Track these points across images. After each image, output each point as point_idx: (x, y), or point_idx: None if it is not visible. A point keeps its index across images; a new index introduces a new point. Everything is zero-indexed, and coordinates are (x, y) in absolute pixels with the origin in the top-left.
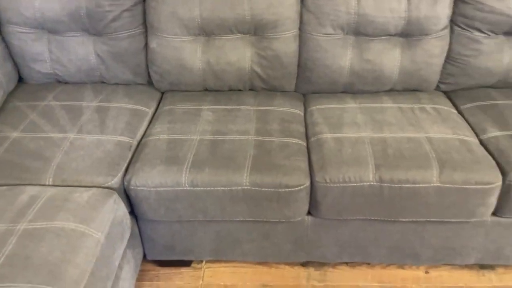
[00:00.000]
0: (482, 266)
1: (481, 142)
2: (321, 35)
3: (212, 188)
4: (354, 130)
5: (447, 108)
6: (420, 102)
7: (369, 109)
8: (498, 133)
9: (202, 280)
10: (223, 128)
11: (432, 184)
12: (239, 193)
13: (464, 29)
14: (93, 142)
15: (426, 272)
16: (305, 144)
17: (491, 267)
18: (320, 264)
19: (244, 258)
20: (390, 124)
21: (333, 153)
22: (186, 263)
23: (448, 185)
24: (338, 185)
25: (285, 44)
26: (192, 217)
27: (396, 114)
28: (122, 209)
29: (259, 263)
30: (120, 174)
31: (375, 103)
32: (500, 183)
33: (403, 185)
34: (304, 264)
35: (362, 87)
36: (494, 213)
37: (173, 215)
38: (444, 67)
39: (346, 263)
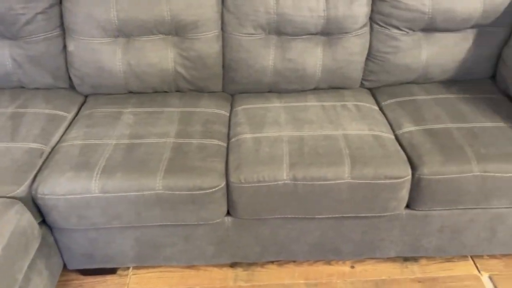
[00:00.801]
0: (406, 259)
1: (396, 137)
2: (243, 35)
3: (124, 194)
4: (275, 129)
5: (369, 105)
6: (344, 100)
7: (293, 108)
8: (412, 128)
9: (128, 287)
10: (142, 131)
11: (343, 180)
12: (152, 198)
13: (382, 26)
14: (0, 151)
15: (352, 267)
16: (225, 145)
17: (414, 259)
18: (248, 264)
19: (168, 263)
20: (311, 122)
21: (250, 153)
22: (111, 271)
23: (359, 181)
24: (252, 185)
25: (208, 45)
26: (107, 224)
27: (318, 112)
28: (26, 219)
29: (188, 267)
30: (27, 183)
31: (300, 102)
32: (409, 177)
33: (316, 182)
34: (233, 265)
35: (287, 86)
36: (408, 206)
37: (86, 223)
38: (366, 64)
39: (273, 262)
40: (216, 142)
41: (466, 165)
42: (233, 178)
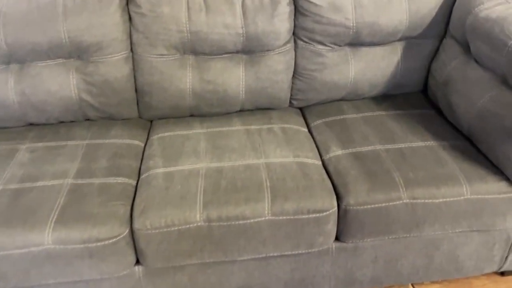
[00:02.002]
0: None
1: (323, 163)
2: (154, 56)
3: (5, 253)
4: (191, 160)
5: (297, 127)
6: (270, 122)
7: (215, 134)
8: (340, 152)
9: None
10: (36, 172)
11: (263, 218)
12: (41, 254)
13: (306, 42)
14: None
15: None
16: (134, 183)
17: None
18: None
19: None
20: (233, 150)
21: (159, 192)
22: None
23: (280, 217)
24: (160, 230)
25: (115, 68)
26: None
27: (241, 138)
28: None
29: None
30: None
31: (223, 127)
32: (335, 209)
33: (233, 223)
34: None
35: (209, 109)
36: (337, 239)
37: None
38: (293, 82)
39: None
40: (122, 180)
41: (393, 192)
42: (137, 224)
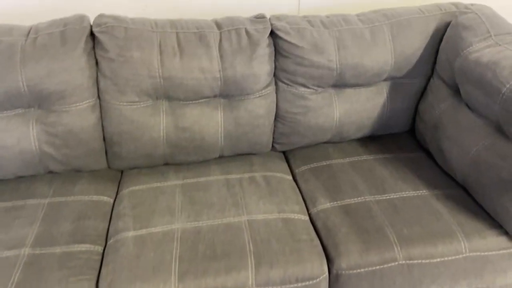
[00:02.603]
0: None
1: (311, 218)
2: (124, 103)
3: None
4: (166, 220)
5: (280, 174)
6: (252, 170)
7: (192, 186)
8: (328, 205)
9: None
10: None
11: None
12: None
13: (288, 85)
14: None
15: None
16: (101, 249)
17: None
18: None
19: None
20: (211, 205)
21: (129, 263)
22: None
23: None
24: None
25: (80, 117)
26: None
27: (220, 190)
28: None
29: None
30: None
31: (201, 177)
32: (326, 274)
33: None
34: None
35: (186, 158)
36: None
37: None
38: (275, 126)
39: None
40: (87, 247)
41: (388, 253)
42: None
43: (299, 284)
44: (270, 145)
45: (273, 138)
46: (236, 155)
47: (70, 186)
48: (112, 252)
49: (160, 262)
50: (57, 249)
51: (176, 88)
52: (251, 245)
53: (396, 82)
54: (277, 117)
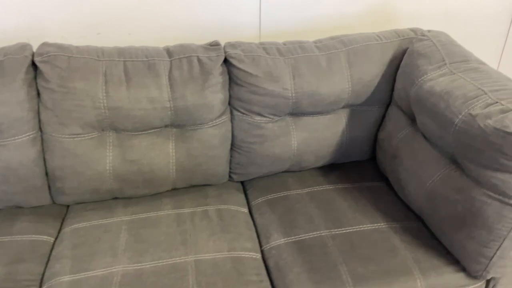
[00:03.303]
0: None
1: (263, 255)
2: (67, 136)
3: None
4: (106, 262)
5: (235, 208)
6: (206, 203)
7: (140, 222)
8: (282, 241)
9: None
10: None
11: None
12: None
13: (244, 114)
14: None
15: None
16: None
17: None
18: None
19: None
20: (158, 244)
21: None
22: None
23: None
24: None
25: (19, 152)
26: None
27: (170, 227)
28: None
29: None
30: None
31: (151, 212)
32: None
33: None
34: None
35: (135, 192)
36: None
37: None
38: (232, 156)
39: None
40: None
41: None
42: None
43: None
44: (227, 176)
45: (230, 168)
46: (191, 186)
47: (8, 224)
48: None
49: None
50: None
51: (123, 119)
52: (192, 286)
53: (355, 110)
54: (233, 146)
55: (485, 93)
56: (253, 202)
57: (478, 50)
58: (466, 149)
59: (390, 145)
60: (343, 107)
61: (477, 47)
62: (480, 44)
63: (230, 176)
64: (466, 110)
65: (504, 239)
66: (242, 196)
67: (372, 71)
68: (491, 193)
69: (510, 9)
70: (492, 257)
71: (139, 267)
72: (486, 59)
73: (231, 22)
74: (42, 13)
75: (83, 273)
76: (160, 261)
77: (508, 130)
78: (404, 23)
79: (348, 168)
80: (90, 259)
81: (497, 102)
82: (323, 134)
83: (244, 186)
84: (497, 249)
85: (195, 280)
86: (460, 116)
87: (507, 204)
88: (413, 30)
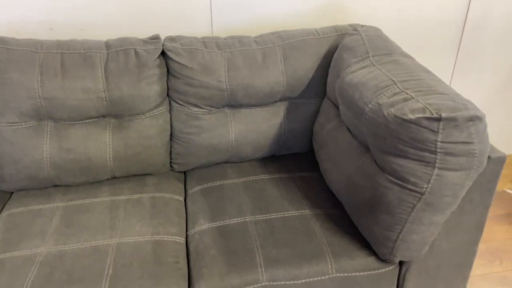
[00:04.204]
0: None
1: (187, 240)
2: (4, 124)
3: None
4: (34, 244)
5: (170, 196)
6: (143, 191)
7: (74, 208)
8: (206, 226)
9: None
10: None
11: None
12: None
13: (181, 105)
14: None
15: None
16: None
17: None
18: None
19: None
20: (86, 229)
21: None
22: None
23: None
24: None
25: None
26: None
27: (102, 213)
28: None
29: None
30: None
31: (87, 198)
32: None
33: None
34: None
35: (74, 179)
36: None
37: None
38: (172, 146)
39: None
40: None
41: (252, 275)
42: None
43: None
44: (168, 165)
45: (171, 158)
46: (131, 175)
47: None
48: None
49: (10, 287)
50: None
51: (58, 109)
52: (110, 269)
53: (292, 103)
54: (172, 137)
55: (395, 83)
56: (189, 191)
57: (434, 45)
58: (373, 137)
59: (321, 136)
60: (281, 100)
61: (433, 42)
62: (436, 39)
63: (171, 166)
64: (375, 100)
65: (405, 223)
66: (181, 185)
67: (306, 65)
68: (392, 178)
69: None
70: (396, 240)
71: (62, 249)
72: (443, 48)
73: (183, 18)
74: None
75: (9, 253)
76: (84, 243)
77: (405, 117)
78: (358, 20)
79: (287, 159)
80: (19, 241)
81: (403, 91)
82: (260, 126)
83: (185, 175)
84: (399, 233)
85: (112, 261)
86: (369, 106)
87: (406, 188)
88: (352, 26)
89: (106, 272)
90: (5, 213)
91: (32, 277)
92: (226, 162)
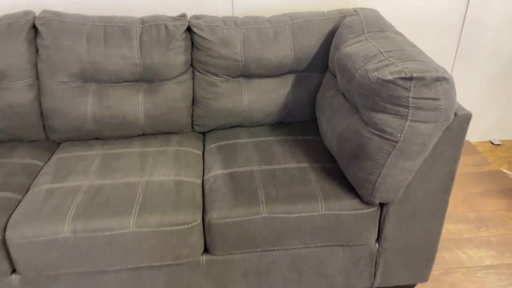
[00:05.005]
0: None
1: (203, 182)
2: (55, 83)
3: None
4: (79, 178)
5: (191, 149)
6: (168, 145)
7: (110, 156)
8: (219, 172)
9: None
10: None
11: (128, 230)
12: None
13: (202, 73)
14: None
15: None
16: (20, 197)
17: None
18: None
19: None
20: (121, 169)
21: (35, 207)
22: None
23: (144, 229)
24: (28, 240)
25: (19, 94)
26: None
27: (133, 160)
28: None
29: None
30: None
31: (121, 149)
32: (198, 222)
33: (98, 234)
34: None
35: (111, 133)
36: (208, 252)
37: None
38: (193, 110)
39: None
40: (8, 195)
41: (254, 208)
42: (9, 234)
43: (174, 228)
44: (190, 127)
45: (192, 120)
46: (158, 133)
47: (9, 151)
48: (26, 199)
49: (60, 207)
50: None
51: (100, 72)
52: (140, 198)
53: (298, 75)
54: (194, 102)
55: (381, 53)
56: (207, 147)
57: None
58: (360, 97)
59: (321, 103)
60: (288, 72)
61: (435, 30)
62: (438, 27)
63: (193, 127)
64: (364, 66)
65: (382, 167)
66: (200, 143)
67: (312, 42)
68: (373, 130)
69: None
70: (375, 183)
71: (101, 183)
72: (446, 36)
73: (208, 1)
74: None
75: (58, 184)
76: (119, 180)
77: (384, 78)
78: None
79: (293, 125)
80: (67, 176)
81: (387, 59)
82: (270, 95)
83: (204, 136)
84: (378, 176)
85: (142, 193)
86: (359, 71)
87: (383, 138)
88: (355, 9)
89: (136, 200)
90: (55, 157)
91: (78, 201)
92: (239, 126)
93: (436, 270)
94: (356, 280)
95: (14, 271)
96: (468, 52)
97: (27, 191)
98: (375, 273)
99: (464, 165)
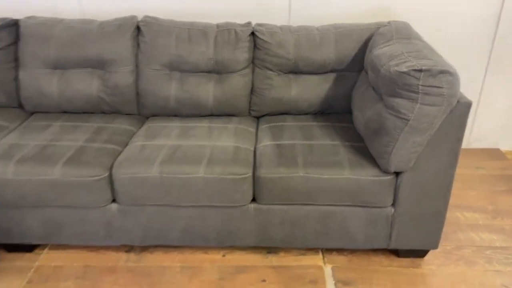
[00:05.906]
0: (269, 251)
1: (254, 150)
2: (151, 70)
3: (29, 178)
4: (163, 140)
5: (246, 127)
6: (229, 123)
7: (186, 127)
8: (268, 143)
9: (38, 262)
10: (59, 137)
11: (198, 175)
12: (49, 182)
13: (261, 68)
14: None
15: (223, 256)
16: (121, 149)
17: (275, 252)
18: (141, 250)
19: (68, 242)
20: (194, 136)
21: (134, 154)
22: (29, 249)
23: (210, 176)
24: (129, 176)
25: (124, 77)
26: (18, 203)
27: (203, 131)
28: None
29: (90, 250)
30: None
31: (194, 123)
32: (249, 174)
33: (177, 176)
34: (128, 250)
35: (187, 112)
36: (255, 201)
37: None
38: (251, 98)
39: (160, 249)
40: (113, 146)
41: (293, 168)
42: (114, 171)
43: (231, 177)
44: (247, 111)
45: (250, 106)
46: (223, 114)
47: (112, 119)
48: (126, 150)
49: (151, 156)
50: (96, 145)
51: (183, 63)
52: (208, 154)
53: (338, 74)
54: (252, 91)
55: (403, 53)
56: (260, 127)
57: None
58: (383, 86)
59: (355, 96)
60: (331, 71)
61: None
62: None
63: (250, 112)
64: (388, 62)
65: (396, 141)
66: (255, 124)
67: (351, 47)
68: (391, 111)
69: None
70: (391, 153)
71: (180, 143)
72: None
73: (270, 12)
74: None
75: (149, 142)
76: (193, 142)
77: (401, 70)
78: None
79: (332, 116)
80: (154, 137)
81: (406, 57)
82: (314, 89)
83: (258, 120)
84: (393, 148)
85: (210, 152)
86: (384, 67)
87: (398, 117)
88: (388, 22)
89: (205, 156)
90: (145, 126)
91: (162, 154)
92: (287, 113)
93: (448, 245)
94: (374, 239)
95: (113, 200)
96: (498, 66)
97: (126, 146)
98: (390, 235)
99: (492, 168)
